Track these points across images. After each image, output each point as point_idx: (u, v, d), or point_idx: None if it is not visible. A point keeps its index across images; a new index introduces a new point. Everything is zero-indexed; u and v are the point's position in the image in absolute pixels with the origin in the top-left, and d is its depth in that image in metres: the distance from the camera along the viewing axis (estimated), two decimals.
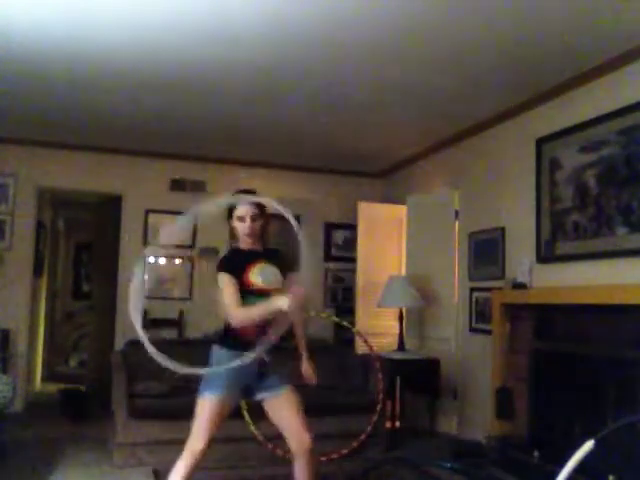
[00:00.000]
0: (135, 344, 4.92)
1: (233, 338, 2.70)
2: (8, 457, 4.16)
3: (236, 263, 2.76)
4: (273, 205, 2.56)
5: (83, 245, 9.29)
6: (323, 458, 3.90)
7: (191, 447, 2.63)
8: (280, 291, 2.73)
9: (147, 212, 6.31)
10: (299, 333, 2.97)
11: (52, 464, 4.05)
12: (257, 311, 2.61)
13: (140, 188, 6.32)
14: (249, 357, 2.52)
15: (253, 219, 2.76)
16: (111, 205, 6.54)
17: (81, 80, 4.37)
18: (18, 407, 5.61)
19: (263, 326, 2.63)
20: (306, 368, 2.94)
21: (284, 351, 2.81)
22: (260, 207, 2.78)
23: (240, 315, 2.64)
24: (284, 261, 2.87)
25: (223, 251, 6.43)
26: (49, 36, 3.64)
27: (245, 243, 2.82)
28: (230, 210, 2.81)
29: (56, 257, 8.58)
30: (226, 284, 2.68)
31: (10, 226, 5.90)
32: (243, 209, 2.76)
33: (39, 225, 6.35)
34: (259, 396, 2.76)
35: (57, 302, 8.95)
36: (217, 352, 2.75)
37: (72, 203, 8.02)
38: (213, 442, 2.67)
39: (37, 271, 6.45)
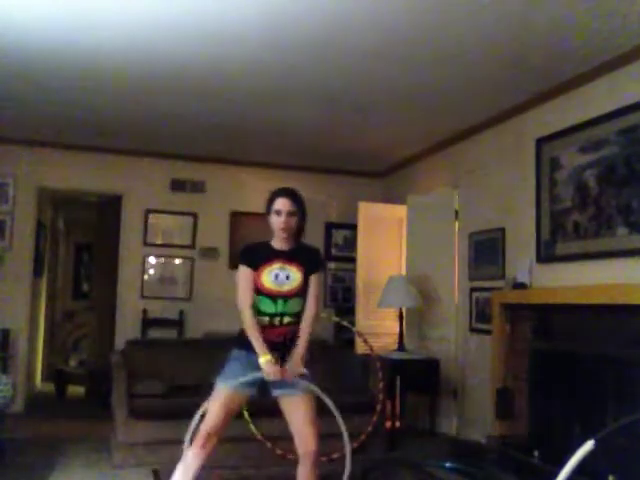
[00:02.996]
0: (135, 344, 4.93)
1: (245, 337, 2.71)
2: (8, 457, 4.16)
3: (256, 257, 2.75)
4: None
5: (83, 245, 9.28)
6: (323, 458, 3.90)
7: (201, 431, 2.68)
8: (296, 294, 2.74)
9: (147, 212, 6.31)
10: (303, 333, 2.82)
11: (52, 464, 4.05)
12: (254, 340, 2.66)
13: (140, 188, 6.32)
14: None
15: (290, 214, 2.73)
16: (111, 205, 6.55)
17: (81, 80, 4.37)
18: (18, 407, 5.60)
19: (282, 333, 2.72)
20: (294, 362, 2.74)
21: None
22: (299, 203, 2.78)
23: (243, 319, 2.71)
24: (313, 262, 2.82)
25: (223, 252, 6.47)
26: (49, 36, 3.64)
27: (278, 239, 2.77)
28: (269, 203, 2.78)
29: (56, 257, 8.57)
30: (241, 278, 2.73)
31: (10, 226, 5.90)
32: (281, 202, 2.73)
33: (39, 225, 6.35)
34: (274, 393, 2.77)
35: (57, 302, 8.95)
36: (233, 350, 2.79)
37: (72, 203, 8.02)
38: (218, 439, 2.71)
39: (37, 271, 6.45)
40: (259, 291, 2.72)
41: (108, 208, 6.69)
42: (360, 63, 3.94)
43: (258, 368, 2.67)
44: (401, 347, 5.30)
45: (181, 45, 3.74)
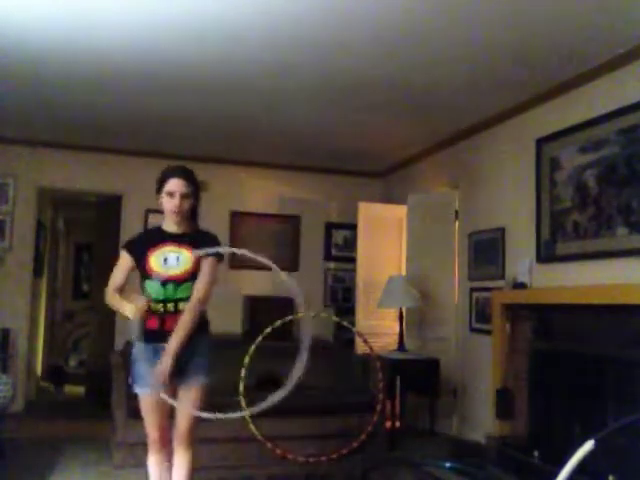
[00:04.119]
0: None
1: (145, 330, 2.57)
2: (8, 457, 4.16)
3: (142, 243, 2.65)
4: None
5: (83, 245, 9.28)
6: (323, 458, 3.91)
7: (148, 438, 2.66)
8: (188, 279, 2.57)
9: (147, 212, 6.31)
10: (181, 321, 2.56)
11: (52, 464, 4.05)
12: (115, 304, 2.60)
13: (140, 188, 6.30)
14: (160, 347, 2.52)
15: (183, 196, 2.58)
16: (111, 205, 6.54)
17: (81, 80, 4.37)
18: (18, 407, 5.61)
19: (163, 318, 2.56)
20: (161, 361, 2.50)
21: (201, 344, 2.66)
22: (193, 183, 2.63)
23: (106, 297, 2.65)
24: (202, 244, 2.57)
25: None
26: (48, 36, 3.64)
27: (170, 222, 2.63)
28: (160, 183, 2.62)
29: (56, 257, 8.57)
30: (117, 263, 2.68)
31: (10, 226, 5.90)
32: (174, 183, 2.58)
33: (39, 225, 6.35)
34: (180, 388, 2.61)
35: (57, 302, 8.95)
36: (135, 346, 2.62)
37: (72, 203, 8.02)
38: (169, 427, 2.64)
39: (37, 271, 6.45)
40: (147, 275, 2.57)
41: (108, 208, 6.69)
42: (360, 63, 3.94)
43: (154, 359, 2.53)
44: (401, 347, 5.30)
45: (181, 45, 3.74)
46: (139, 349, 2.58)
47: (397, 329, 5.42)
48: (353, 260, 6.33)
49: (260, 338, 3.69)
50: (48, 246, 7.39)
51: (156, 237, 2.65)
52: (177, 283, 2.57)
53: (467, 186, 5.36)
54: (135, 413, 4.03)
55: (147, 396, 2.61)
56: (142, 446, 3.93)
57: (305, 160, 6.56)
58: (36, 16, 3.39)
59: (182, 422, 2.62)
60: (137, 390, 2.64)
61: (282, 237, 6.72)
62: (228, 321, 6.14)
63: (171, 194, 2.58)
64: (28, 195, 6.01)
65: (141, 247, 2.65)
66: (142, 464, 3.91)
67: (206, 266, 2.60)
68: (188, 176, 2.64)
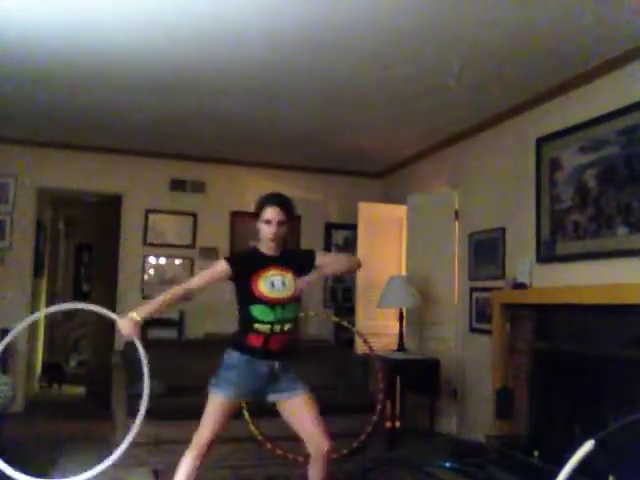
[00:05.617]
0: (135, 344, 4.93)
1: (249, 349, 2.70)
2: (8, 457, 4.15)
3: (247, 264, 2.74)
4: None
5: (83, 245, 9.28)
6: None
7: (197, 437, 2.68)
8: (293, 300, 2.74)
9: (147, 212, 6.32)
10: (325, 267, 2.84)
11: (52, 464, 4.05)
12: (159, 297, 2.80)
13: (140, 188, 6.32)
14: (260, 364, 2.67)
15: (280, 224, 2.71)
16: (111, 205, 6.54)
17: (81, 80, 4.37)
18: (18, 407, 5.60)
19: (268, 338, 2.68)
20: (306, 278, 2.75)
21: (294, 358, 2.84)
22: (289, 211, 2.75)
23: (169, 291, 2.79)
24: (299, 261, 2.80)
25: (223, 252, 6.47)
26: (49, 36, 3.64)
27: (266, 247, 2.76)
28: (259, 210, 2.75)
29: (56, 257, 8.57)
30: (211, 269, 2.74)
31: (10, 226, 5.90)
32: (271, 211, 2.70)
33: (39, 225, 6.35)
34: (271, 398, 2.77)
35: (57, 302, 8.94)
36: (230, 353, 2.74)
37: (72, 203, 8.03)
38: (218, 439, 2.71)
39: (37, 271, 6.45)
40: (255, 299, 2.67)
41: (108, 208, 6.69)
42: (360, 63, 3.94)
43: (261, 376, 2.69)
44: (401, 347, 5.30)
45: (181, 45, 3.74)
46: (236, 357, 2.71)
47: (397, 329, 5.42)
48: None
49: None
50: (48, 246, 7.39)
51: (260, 259, 2.74)
52: (284, 305, 2.70)
53: (467, 186, 5.36)
54: (135, 413, 4.05)
55: (227, 400, 2.68)
56: (142, 446, 3.94)
57: (305, 160, 6.56)
58: (36, 16, 3.39)
59: (319, 437, 2.71)
60: (218, 391, 2.69)
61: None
62: (228, 321, 6.14)
63: (268, 222, 2.70)
64: (28, 195, 6.01)
65: (247, 268, 2.72)
66: (142, 464, 3.93)
67: (326, 257, 2.95)
68: (285, 204, 2.75)
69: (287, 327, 2.71)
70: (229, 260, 2.74)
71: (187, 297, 2.81)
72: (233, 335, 2.80)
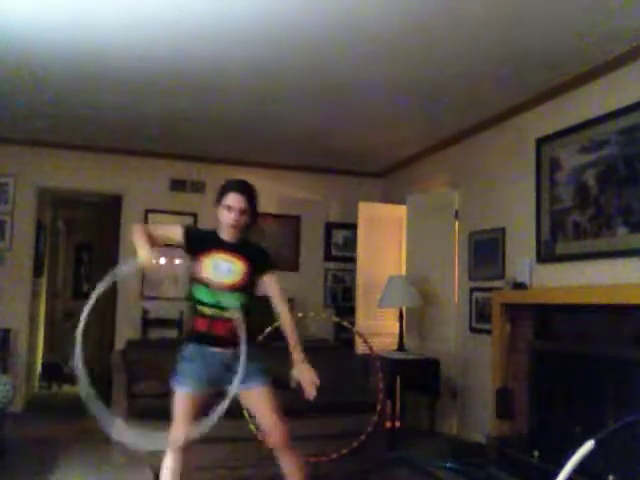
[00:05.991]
0: (135, 344, 4.93)
1: (196, 334, 2.69)
2: (8, 457, 4.16)
3: (201, 241, 2.71)
4: None
5: (83, 245, 9.28)
6: (323, 458, 3.91)
7: (172, 436, 2.69)
8: (237, 289, 2.66)
9: (147, 212, 6.31)
10: (288, 334, 2.73)
11: (52, 464, 4.05)
12: (139, 237, 2.58)
13: (140, 188, 6.32)
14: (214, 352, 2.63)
15: (241, 212, 2.67)
16: (111, 205, 6.55)
17: (81, 80, 4.37)
18: (18, 407, 5.60)
19: (211, 322, 2.65)
20: (300, 372, 2.64)
21: (261, 348, 2.81)
22: (252, 200, 2.71)
23: (136, 227, 2.65)
24: (262, 260, 2.75)
25: None
26: (49, 36, 3.64)
27: (225, 233, 2.72)
28: (220, 194, 2.70)
29: (56, 257, 8.57)
30: (162, 226, 2.75)
31: (10, 226, 5.91)
32: (233, 198, 2.66)
33: (39, 225, 6.35)
34: (229, 389, 2.65)
35: (57, 302, 8.95)
36: (186, 348, 2.72)
37: (72, 203, 8.02)
38: (195, 433, 2.67)
39: (37, 271, 6.44)
40: (198, 279, 2.65)
41: (108, 208, 6.70)
42: (360, 63, 3.94)
43: (214, 365, 2.66)
44: (401, 347, 5.30)
45: (181, 45, 3.74)
46: (189, 349, 2.69)
47: (397, 329, 5.42)
48: (353, 260, 6.33)
49: (260, 338, 3.68)
50: (48, 246, 7.38)
51: (213, 241, 2.71)
52: (226, 291, 2.64)
53: (467, 186, 5.36)
54: (135, 413, 4.04)
55: (187, 395, 2.66)
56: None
57: (305, 160, 6.56)
58: (36, 16, 3.39)
59: (271, 427, 2.68)
60: (180, 387, 2.68)
61: (282, 237, 6.72)
62: None
63: (230, 208, 2.66)
64: (28, 195, 6.01)
65: (200, 245, 2.70)
66: (142, 464, 3.92)
67: (273, 283, 2.76)
68: (248, 193, 2.71)
69: (232, 314, 2.61)
70: (186, 229, 2.72)
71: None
72: (188, 328, 2.73)
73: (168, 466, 2.71)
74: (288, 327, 2.73)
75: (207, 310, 2.66)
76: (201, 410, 2.67)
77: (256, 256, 2.74)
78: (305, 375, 2.62)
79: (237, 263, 2.68)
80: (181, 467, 2.69)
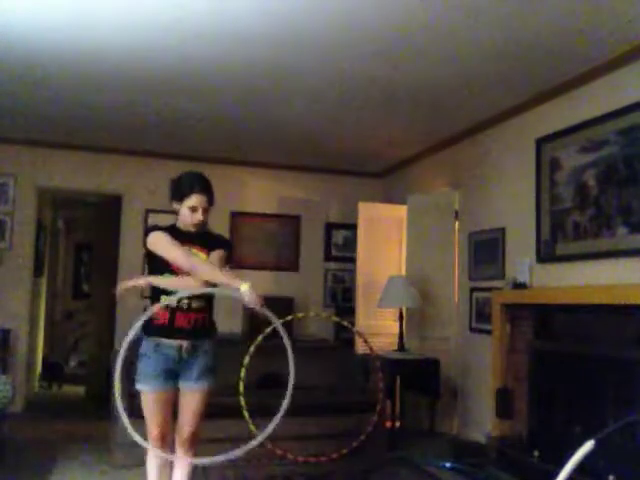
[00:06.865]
0: (135, 344, 4.92)
1: (152, 323, 2.65)
2: (8, 457, 4.16)
3: (175, 238, 2.69)
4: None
5: (83, 245, 9.29)
6: (323, 458, 3.91)
7: (148, 435, 2.67)
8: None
9: (147, 212, 6.31)
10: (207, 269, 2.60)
11: (52, 464, 4.05)
12: (212, 272, 2.52)
13: (140, 188, 6.32)
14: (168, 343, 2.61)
15: (205, 210, 2.69)
16: (111, 205, 6.54)
17: (81, 80, 4.36)
18: (18, 407, 5.60)
19: (192, 318, 2.64)
20: (245, 295, 2.45)
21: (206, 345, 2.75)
22: (212, 196, 2.72)
23: (185, 258, 2.58)
24: (214, 244, 2.75)
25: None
26: (49, 37, 3.64)
27: (186, 226, 2.72)
28: (181, 194, 2.68)
29: (56, 257, 8.58)
30: (166, 240, 2.61)
31: (10, 226, 5.90)
32: (197, 199, 2.66)
33: (39, 225, 6.35)
34: (180, 385, 2.70)
35: (57, 302, 8.96)
36: (141, 343, 2.71)
37: (72, 203, 8.02)
38: (171, 426, 2.70)
39: (37, 271, 6.45)
40: (167, 268, 2.63)
41: (108, 208, 6.69)
42: (360, 63, 3.94)
43: (170, 359, 2.63)
44: (401, 347, 5.30)
45: (181, 45, 3.74)
46: (146, 345, 2.68)
47: (397, 329, 5.42)
48: (353, 260, 6.33)
49: (260, 338, 3.68)
50: (48, 246, 7.39)
51: (179, 235, 2.69)
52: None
53: (467, 186, 5.36)
54: (135, 413, 4.04)
55: (151, 393, 2.66)
56: (142, 446, 3.94)
57: (305, 160, 6.56)
58: (36, 16, 3.39)
59: (186, 426, 2.69)
60: (141, 386, 2.68)
61: (282, 237, 6.72)
62: (228, 321, 6.14)
63: (195, 209, 2.66)
64: (28, 195, 6.01)
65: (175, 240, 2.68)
66: (142, 464, 3.92)
67: (216, 256, 2.69)
68: (209, 190, 2.72)
69: (195, 305, 2.63)
70: (166, 232, 2.68)
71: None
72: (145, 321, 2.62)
73: (151, 467, 2.74)
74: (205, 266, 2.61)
75: (170, 299, 2.59)
76: (172, 406, 2.68)
77: (216, 245, 2.75)
78: (251, 298, 2.47)
79: (199, 254, 2.68)
80: (166, 468, 2.72)
